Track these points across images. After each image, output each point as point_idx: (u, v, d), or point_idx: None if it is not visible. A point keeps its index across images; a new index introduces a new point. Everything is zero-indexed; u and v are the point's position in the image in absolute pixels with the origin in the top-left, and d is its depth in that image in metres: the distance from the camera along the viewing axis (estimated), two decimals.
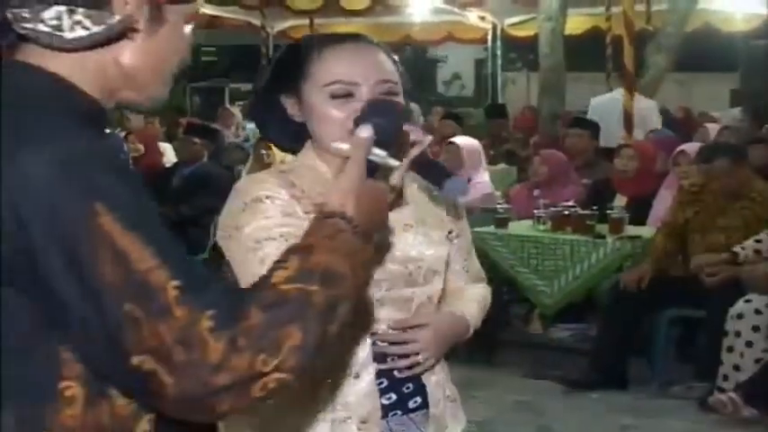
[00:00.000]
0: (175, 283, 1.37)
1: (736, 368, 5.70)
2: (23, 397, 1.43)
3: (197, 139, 8.96)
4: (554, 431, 5.71)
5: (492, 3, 13.51)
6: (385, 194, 1.77)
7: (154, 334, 1.35)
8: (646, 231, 6.85)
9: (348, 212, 1.59)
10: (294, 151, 2.37)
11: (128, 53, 1.58)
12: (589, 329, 7.12)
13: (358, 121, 1.84)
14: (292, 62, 2.26)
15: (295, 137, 2.32)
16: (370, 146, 1.74)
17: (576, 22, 13.20)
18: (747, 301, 5.80)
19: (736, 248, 6.06)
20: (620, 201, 7.24)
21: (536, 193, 7.57)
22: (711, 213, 6.36)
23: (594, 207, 6.89)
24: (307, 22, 14.12)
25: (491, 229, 7.01)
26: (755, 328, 5.71)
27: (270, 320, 1.39)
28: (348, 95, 2.18)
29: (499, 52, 15.15)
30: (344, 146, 1.77)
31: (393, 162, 1.88)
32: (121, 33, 1.55)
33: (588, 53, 14.09)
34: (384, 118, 1.86)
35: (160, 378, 1.36)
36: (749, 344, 5.70)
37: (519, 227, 7.14)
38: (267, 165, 7.52)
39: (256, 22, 14.38)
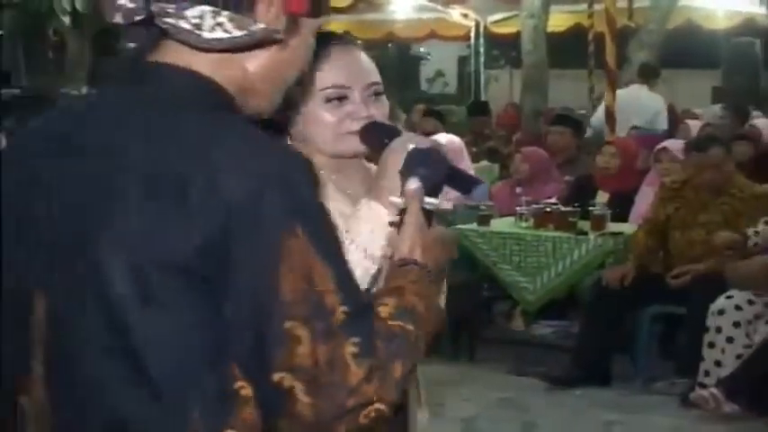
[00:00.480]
0: (344, 308, 1.43)
1: (718, 364, 5.73)
2: (209, 398, 1.46)
3: None
4: (538, 427, 5.72)
5: (475, 0, 13.53)
6: (446, 237, 1.89)
7: (310, 354, 1.41)
8: (627, 228, 6.88)
9: (419, 260, 1.71)
10: None
11: (256, 61, 1.60)
12: (571, 326, 7.14)
13: (404, 173, 1.90)
14: None
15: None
16: (421, 196, 1.83)
17: (559, 20, 13.24)
18: (728, 297, 5.83)
19: (749, 231, 6.06)
20: (602, 197, 7.27)
21: (518, 190, 7.59)
22: (692, 209, 6.38)
23: (576, 204, 6.92)
24: None
25: (473, 226, 7.01)
26: (736, 324, 5.74)
27: (388, 353, 1.47)
28: (342, 99, 2.23)
29: (482, 49, 15.18)
30: (398, 200, 1.88)
31: (446, 205, 1.95)
32: (260, 42, 1.57)
33: (571, 50, 14.11)
34: (427, 167, 1.91)
35: (296, 396, 1.41)
36: (730, 340, 5.73)
37: (501, 224, 7.15)
38: None
39: None
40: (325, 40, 2.27)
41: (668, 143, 7.40)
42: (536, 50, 11.91)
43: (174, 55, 1.55)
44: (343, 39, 2.35)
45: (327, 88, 2.23)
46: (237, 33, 1.52)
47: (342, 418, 1.44)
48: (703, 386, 5.68)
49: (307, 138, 2.28)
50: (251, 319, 1.41)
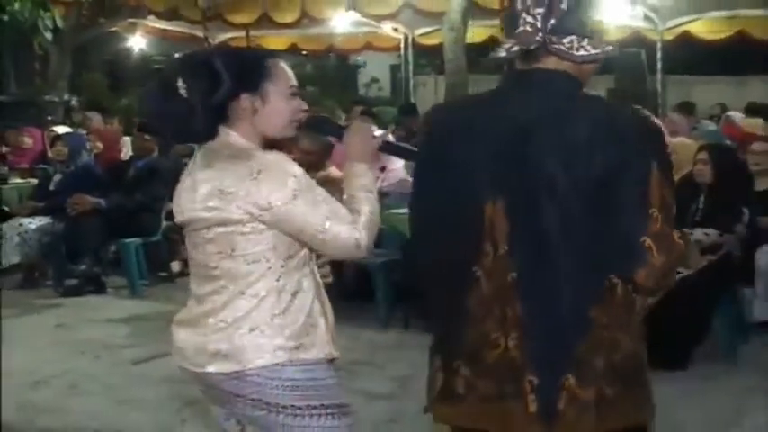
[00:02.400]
0: (674, 208, 2.21)
1: None
2: (621, 254, 2.20)
3: (148, 136, 8.82)
4: None
5: (404, 16, 13.44)
6: None
7: (661, 228, 2.16)
8: None
9: None
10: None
11: (589, 66, 2.34)
12: None
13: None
14: (251, 68, 2.58)
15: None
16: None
17: (476, 33, 13.20)
18: None
19: None
20: None
21: None
22: None
23: None
24: (243, 33, 13.95)
25: (405, 210, 6.95)
26: None
27: None
28: (296, 95, 2.63)
29: (411, 59, 15.14)
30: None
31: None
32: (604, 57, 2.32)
33: (487, 58, 14.10)
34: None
35: (653, 252, 2.16)
36: None
37: None
38: None
39: (200, 34, 14.16)
40: (272, 53, 2.76)
41: None
42: (457, 59, 11.88)
43: (555, 63, 2.30)
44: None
45: (293, 87, 2.61)
46: (593, 51, 2.29)
47: (673, 271, 2.23)
48: None
49: (264, 126, 2.58)
50: (631, 209, 2.15)
